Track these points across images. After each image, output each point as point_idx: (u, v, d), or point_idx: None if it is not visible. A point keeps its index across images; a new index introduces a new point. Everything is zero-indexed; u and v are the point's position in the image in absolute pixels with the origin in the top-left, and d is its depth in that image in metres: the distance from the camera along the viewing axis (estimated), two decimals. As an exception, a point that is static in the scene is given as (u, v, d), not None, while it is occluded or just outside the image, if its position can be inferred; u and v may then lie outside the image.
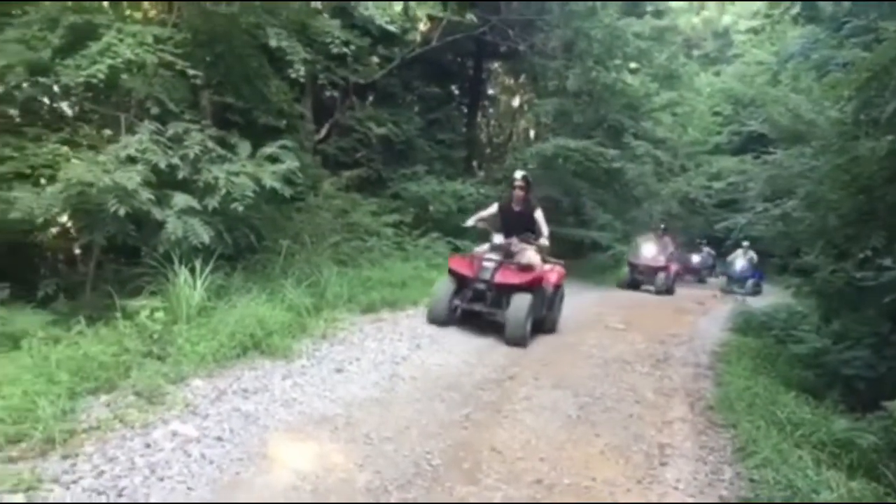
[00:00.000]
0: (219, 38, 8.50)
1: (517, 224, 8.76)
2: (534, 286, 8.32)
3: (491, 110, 25.03)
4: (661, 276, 18.04)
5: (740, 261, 21.96)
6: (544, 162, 18.07)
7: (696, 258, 25.71)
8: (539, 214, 8.81)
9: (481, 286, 8.25)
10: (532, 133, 24.39)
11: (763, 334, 10.85)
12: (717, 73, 31.27)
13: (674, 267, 19.01)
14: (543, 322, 8.84)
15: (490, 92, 24.53)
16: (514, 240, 8.60)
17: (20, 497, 3.27)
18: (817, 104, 10.13)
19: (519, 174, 9.01)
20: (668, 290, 18.07)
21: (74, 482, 3.47)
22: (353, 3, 8.89)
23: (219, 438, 4.24)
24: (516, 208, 8.86)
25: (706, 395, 6.94)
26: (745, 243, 20.71)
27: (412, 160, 16.82)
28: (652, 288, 17.91)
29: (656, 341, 9.63)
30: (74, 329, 5.32)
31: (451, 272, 8.59)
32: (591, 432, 5.44)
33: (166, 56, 7.04)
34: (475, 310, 8.29)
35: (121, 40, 6.66)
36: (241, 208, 7.11)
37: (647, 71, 20.14)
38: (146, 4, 9.53)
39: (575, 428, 5.50)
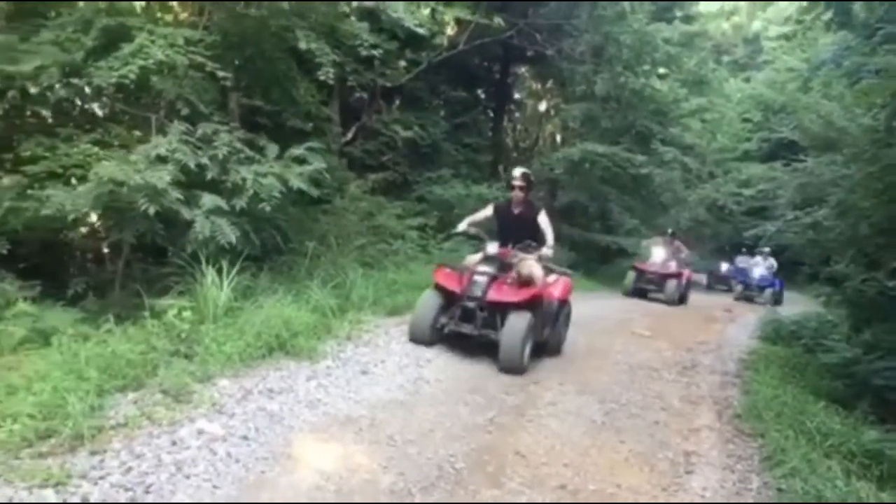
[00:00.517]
0: (248, 40, 8.57)
1: (516, 230, 7.54)
2: (534, 303, 7.07)
3: (517, 115, 25.00)
4: (672, 284, 16.30)
5: (759, 268, 20.77)
6: (571, 167, 18.03)
7: (724, 266, 24.58)
8: (543, 218, 7.55)
9: (471, 304, 6.97)
10: (559, 138, 24.32)
11: (792, 343, 10.72)
12: (747, 80, 30.99)
13: (686, 274, 17.21)
14: (547, 342, 7.65)
15: (517, 96, 24.50)
16: (513, 248, 7.41)
17: (50, 492, 3.30)
18: (849, 111, 9.99)
19: (518, 171, 7.75)
20: (681, 300, 16.44)
21: (102, 478, 3.50)
22: (381, 7, 8.90)
23: (244, 437, 4.26)
24: (515, 211, 7.67)
25: (734, 404, 6.87)
26: (766, 249, 19.95)
27: (438, 164, 16.84)
28: (661, 296, 16.29)
29: (683, 349, 9.55)
30: (103, 327, 5.38)
31: (438, 286, 7.32)
32: (617, 438, 5.40)
33: (197, 58, 7.11)
34: (464, 332, 7.05)
35: (152, 42, 6.74)
36: (268, 209, 7.17)
37: (676, 76, 20.02)
38: (177, 7, 9.63)
39: (600, 434, 5.47)
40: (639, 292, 16.57)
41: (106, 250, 8.15)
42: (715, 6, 32.83)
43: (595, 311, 12.19)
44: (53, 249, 7.56)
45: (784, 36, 20.82)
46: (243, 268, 7.01)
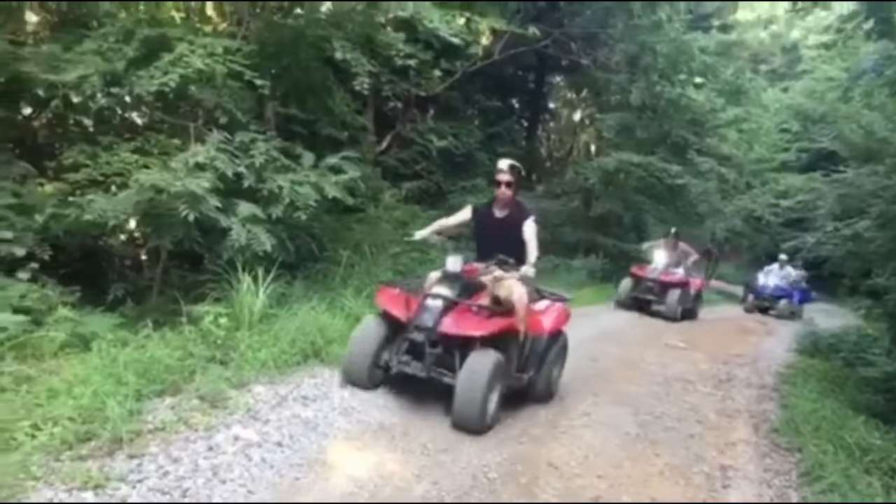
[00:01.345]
0: (285, 50, 8.66)
1: (498, 239, 5.84)
2: (505, 338, 5.47)
3: (552, 124, 24.96)
4: (674, 294, 13.29)
5: (773, 276, 18.88)
6: (606, 177, 17.91)
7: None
8: (529, 227, 5.79)
9: (419, 337, 5.26)
10: (593, 147, 24.22)
11: (831, 356, 10.54)
12: (785, 89, 30.57)
13: (695, 283, 14.53)
14: (531, 387, 5.96)
15: (551, 106, 24.46)
16: (486, 264, 5.79)
17: (89, 494, 3.35)
18: (891, 121, 9.81)
19: (504, 163, 6.04)
20: (686, 314, 13.63)
21: (140, 481, 3.54)
22: (417, 17, 8.93)
23: (279, 444, 4.29)
24: (499, 214, 5.96)
25: (771, 417, 6.76)
26: (783, 256, 18.75)
27: (472, 173, 16.84)
28: (662, 308, 13.34)
29: (719, 361, 9.43)
30: (142, 332, 5.46)
31: (382, 312, 5.67)
32: (651, 451, 5.35)
33: (235, 67, 7.20)
34: (409, 372, 5.36)
35: (192, 51, 6.84)
36: (303, 217, 7.23)
37: (712, 86, 19.79)
38: (216, 18, 9.77)
39: (634, 446, 5.41)
40: (637, 304, 13.66)
41: (144, 257, 8.29)
42: (752, 15, 32.57)
43: (628, 321, 12.10)
44: (93, 256, 7.69)
45: (823, 45, 20.48)
46: (278, 275, 7.06)
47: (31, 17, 7.89)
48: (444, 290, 5.41)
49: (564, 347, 6.52)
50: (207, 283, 6.98)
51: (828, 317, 18.12)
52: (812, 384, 8.34)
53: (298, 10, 9.48)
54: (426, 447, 4.65)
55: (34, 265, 5.96)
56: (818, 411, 6.84)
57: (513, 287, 5.62)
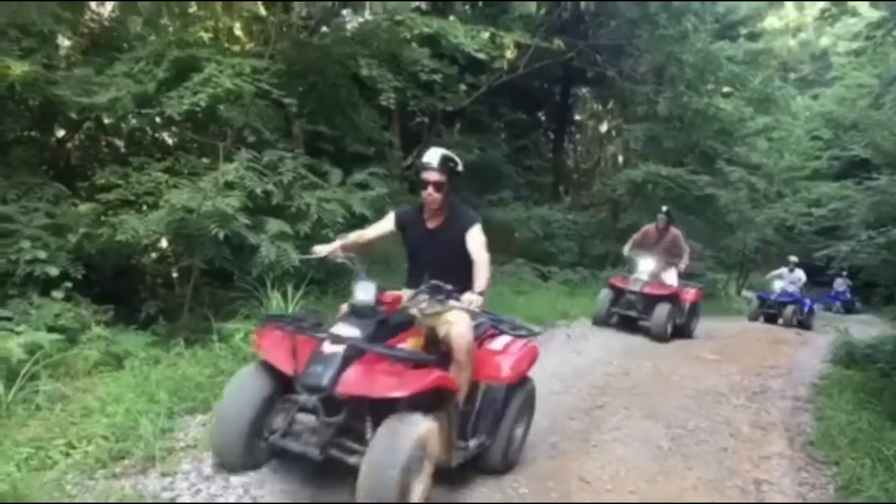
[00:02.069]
0: (312, 68, 8.78)
1: (434, 259, 4.27)
2: (440, 398, 3.86)
3: (578, 136, 24.92)
4: (662, 310, 10.73)
5: (780, 281, 17.38)
6: (633, 188, 17.83)
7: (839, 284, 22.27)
8: (475, 239, 4.21)
9: (310, 400, 3.62)
10: (620, 159, 24.12)
11: (867, 367, 10.31)
12: (815, 97, 30.18)
13: (690, 294, 11.74)
14: (483, 456, 4.35)
15: (577, 118, 24.42)
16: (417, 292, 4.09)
17: (122, 512, 3.39)
18: (924, 128, 9.68)
19: (434, 154, 4.29)
20: (679, 331, 11.31)
21: (173, 499, 3.57)
22: (441, 32, 8.99)
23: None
24: (430, 225, 4.40)
25: (806, 430, 6.63)
26: (793, 258, 17.78)
27: (499, 186, 16.86)
28: (648, 324, 10.84)
29: (752, 373, 9.28)
30: (173, 350, 5.52)
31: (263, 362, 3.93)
32: (684, 465, 5.27)
33: (262, 86, 7.30)
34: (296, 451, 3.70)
35: (221, 72, 6.94)
36: (331, 234, 7.28)
37: (741, 95, 19.64)
38: (244, 38, 9.91)
39: (666, 460, 5.34)
40: (620, 320, 11.31)
41: (175, 275, 8.39)
42: (780, 23, 32.28)
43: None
44: (126, 274, 7.81)
45: (853, 52, 20.19)
46: (307, 291, 7.11)
47: (64, 42, 8.06)
48: (350, 330, 3.79)
49: (530, 400, 4.83)
50: (238, 301, 7.05)
51: (864, 326, 17.73)
52: (848, 395, 8.17)
53: (325, 29, 9.60)
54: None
55: (68, 284, 6.06)
56: (855, 423, 6.69)
57: (457, 322, 4.07)
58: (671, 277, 11.27)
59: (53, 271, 5.97)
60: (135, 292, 7.96)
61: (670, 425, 6.22)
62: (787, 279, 17.43)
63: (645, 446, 5.57)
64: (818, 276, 21.09)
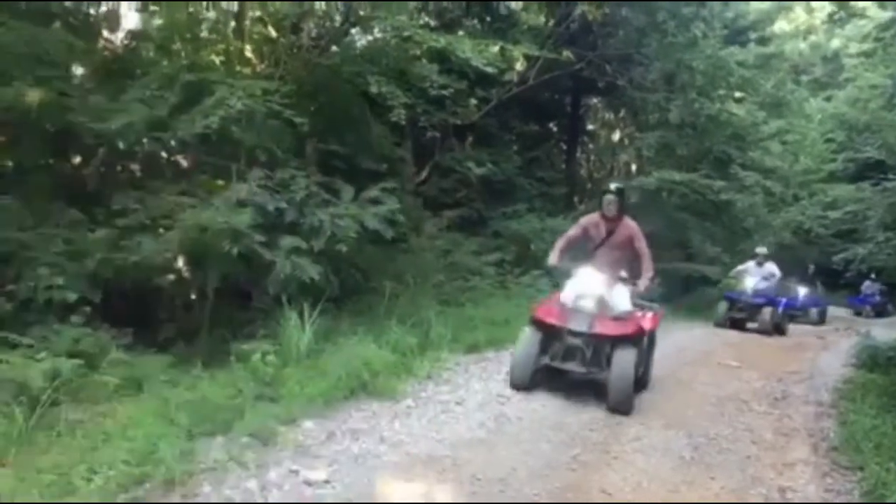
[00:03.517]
0: (322, 87, 8.84)
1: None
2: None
3: (591, 146, 24.84)
4: (625, 359, 6.52)
5: (752, 278, 15.07)
6: (648, 196, 17.76)
7: (802, 291, 19.94)
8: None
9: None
10: (634, 167, 24.06)
11: (891, 370, 10.20)
12: (828, 99, 30.05)
13: (643, 321, 7.12)
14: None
15: (589, 127, 24.37)
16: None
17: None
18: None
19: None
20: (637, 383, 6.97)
21: (193, 522, 3.58)
22: (449, 48, 9.04)
23: (327, 481, 4.29)
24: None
25: (829, 436, 6.56)
26: (762, 249, 15.79)
27: (512, 199, 16.84)
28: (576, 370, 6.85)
29: (773, 379, 9.21)
30: (192, 372, 5.54)
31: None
32: (706, 475, 5.22)
33: (273, 106, 7.36)
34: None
35: (232, 94, 7.01)
36: (344, 249, 7.33)
37: (753, 99, 19.59)
38: (254, 60, 10.00)
39: (688, 470, 5.29)
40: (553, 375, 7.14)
41: (193, 297, 8.43)
42: (791, 26, 32.19)
43: (677, 341, 11.91)
44: (144, 297, 7.85)
45: (864, 53, 20.08)
46: (324, 310, 7.13)
47: (78, 70, 8.16)
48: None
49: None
50: (255, 321, 7.08)
51: (888, 328, 17.46)
52: (871, 399, 8.08)
53: (334, 48, 9.67)
54: (476, 477, 4.60)
55: (87, 309, 6.11)
56: (879, 428, 6.61)
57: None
58: (622, 298, 6.94)
59: (72, 297, 6.02)
60: (153, 315, 8.00)
61: (692, 434, 6.17)
62: (756, 275, 15.21)
63: (666, 456, 5.53)
64: (838, 279, 20.80)
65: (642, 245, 7.19)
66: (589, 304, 6.73)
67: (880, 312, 22.97)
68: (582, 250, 7.36)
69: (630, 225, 7.27)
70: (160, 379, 5.24)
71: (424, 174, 15.18)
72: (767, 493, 4.97)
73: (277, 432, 4.86)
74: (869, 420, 6.94)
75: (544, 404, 6.56)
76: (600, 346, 6.65)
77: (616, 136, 24.77)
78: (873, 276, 20.69)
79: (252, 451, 4.51)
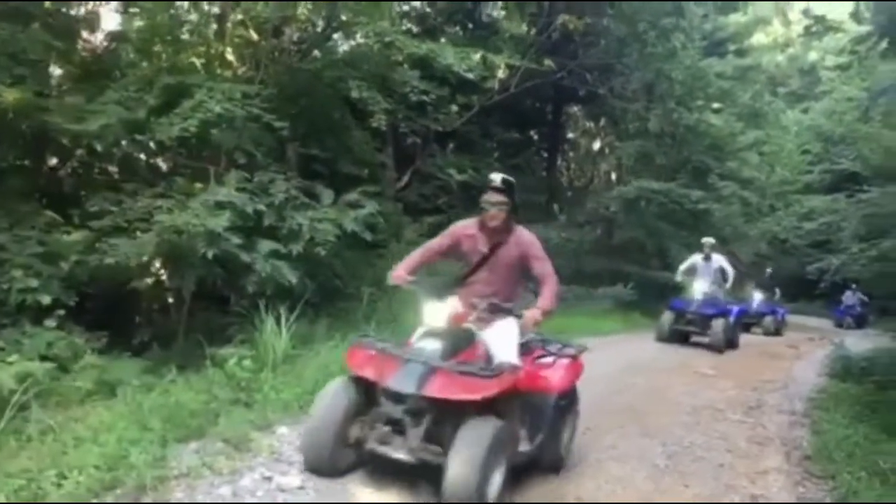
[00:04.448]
0: (303, 92, 8.83)
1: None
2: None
3: (571, 154, 24.99)
4: (475, 442, 3.80)
5: (700, 281, 12.57)
6: (627, 205, 17.89)
7: (757, 296, 18.54)
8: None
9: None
10: (614, 176, 24.21)
11: (863, 380, 10.30)
12: (805, 111, 30.41)
13: (554, 383, 4.76)
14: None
15: (570, 136, 24.51)
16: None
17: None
18: (911, 140, 9.73)
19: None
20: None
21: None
22: (431, 54, 9.07)
23: (301, 487, 4.26)
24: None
25: (802, 444, 6.62)
26: (708, 239, 13.18)
27: (493, 206, 16.85)
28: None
29: (748, 388, 9.28)
30: (167, 377, 5.50)
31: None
32: (680, 483, 5.25)
33: (253, 110, 7.34)
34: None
35: (211, 97, 6.98)
36: (322, 253, 7.32)
37: (731, 110, 19.81)
38: (235, 63, 9.97)
39: (663, 478, 5.32)
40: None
41: (170, 300, 8.38)
42: (768, 39, 32.55)
43: (654, 350, 11.99)
44: (120, 301, 7.80)
45: (839, 66, 20.38)
46: (301, 314, 7.11)
47: (56, 71, 8.10)
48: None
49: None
50: (233, 325, 7.05)
51: (859, 339, 17.59)
52: (844, 409, 8.17)
53: (316, 53, 9.66)
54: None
55: (61, 312, 6.05)
56: (851, 437, 6.69)
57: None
58: (504, 340, 4.53)
59: (46, 299, 5.97)
60: (129, 319, 7.96)
61: (666, 442, 6.21)
62: (706, 274, 12.73)
63: (641, 464, 5.55)
64: (813, 289, 20.87)
65: (544, 268, 4.65)
66: (431, 348, 4.19)
67: (860, 324, 23.06)
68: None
69: (524, 239, 4.69)
70: (134, 383, 5.19)
71: (405, 180, 15.17)
72: (741, 500, 5.00)
73: (252, 438, 4.83)
74: (841, 430, 7.01)
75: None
76: (442, 417, 4.02)
77: (596, 144, 24.93)
78: (854, 286, 20.80)
79: (225, 457, 4.48)
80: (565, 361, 4.93)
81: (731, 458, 6.01)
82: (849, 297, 23.43)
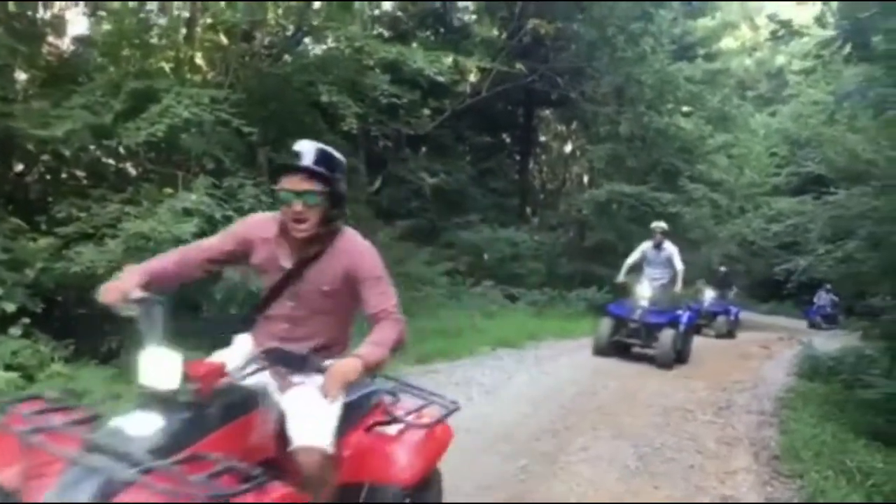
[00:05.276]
0: (272, 96, 8.79)
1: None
2: None
3: (543, 157, 25.12)
4: None
5: (646, 283, 10.46)
6: (598, 208, 18.00)
7: (709, 294, 17.53)
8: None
9: None
10: (586, 179, 24.35)
11: (830, 379, 10.42)
12: (773, 114, 30.78)
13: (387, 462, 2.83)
14: None
15: (542, 139, 24.65)
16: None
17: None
18: (875, 143, 9.87)
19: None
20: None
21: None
22: (402, 58, 9.08)
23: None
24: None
25: (771, 444, 6.68)
26: (659, 224, 11.21)
27: (465, 209, 16.92)
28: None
29: (718, 388, 9.36)
30: (134, 385, 5.43)
31: None
32: (651, 484, 5.28)
33: (222, 115, 7.29)
34: None
35: (179, 102, 6.93)
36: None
37: (700, 114, 20.01)
38: (205, 68, 9.90)
39: (633, 479, 5.35)
40: None
41: (139, 307, 8.28)
42: (736, 43, 32.93)
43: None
44: (88, 307, 7.69)
45: (804, 71, 20.62)
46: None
47: (21, 76, 7.99)
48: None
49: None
50: (203, 332, 6.98)
51: (828, 339, 17.77)
52: (812, 408, 8.27)
53: (286, 57, 9.62)
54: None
55: (26, 320, 5.96)
56: (819, 436, 6.77)
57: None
58: (309, 416, 2.49)
59: (10, 307, 5.89)
60: (96, 326, 7.85)
61: (637, 444, 6.23)
62: (655, 264, 10.79)
63: (612, 466, 5.57)
64: (781, 289, 21.08)
65: (380, 296, 2.73)
66: (136, 433, 2.10)
67: (832, 323, 23.25)
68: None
69: (353, 248, 2.76)
70: (101, 392, 5.12)
71: (377, 184, 15.18)
72: (710, 500, 5.04)
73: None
74: (809, 429, 7.10)
75: (494, 414, 6.56)
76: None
77: (568, 147, 25.07)
78: (827, 286, 21.01)
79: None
80: (420, 432, 2.95)
81: (701, 459, 6.05)
82: (821, 298, 23.63)
